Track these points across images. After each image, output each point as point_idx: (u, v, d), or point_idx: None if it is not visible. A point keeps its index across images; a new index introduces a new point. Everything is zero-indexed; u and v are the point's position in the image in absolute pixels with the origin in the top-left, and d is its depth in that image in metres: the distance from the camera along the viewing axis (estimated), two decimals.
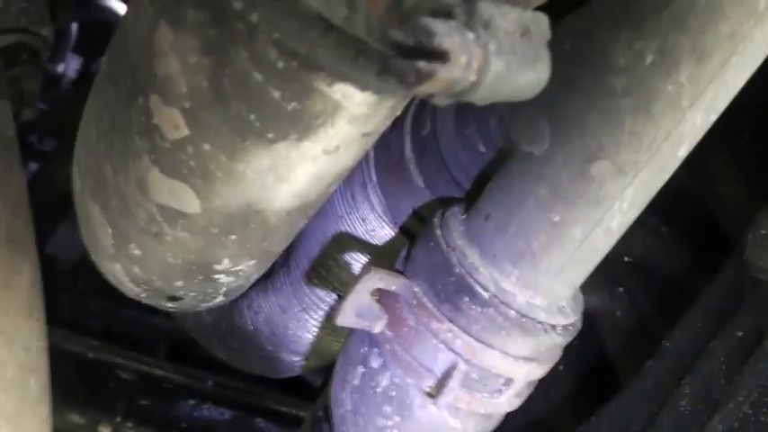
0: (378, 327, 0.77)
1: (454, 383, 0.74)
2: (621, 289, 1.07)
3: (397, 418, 0.79)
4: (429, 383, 0.76)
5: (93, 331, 1.42)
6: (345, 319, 0.77)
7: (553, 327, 0.75)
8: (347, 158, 0.68)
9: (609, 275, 1.11)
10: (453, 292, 0.74)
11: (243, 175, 0.67)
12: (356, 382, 0.81)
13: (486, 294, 0.73)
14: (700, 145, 1.04)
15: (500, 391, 0.77)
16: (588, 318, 1.15)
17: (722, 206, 1.01)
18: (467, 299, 0.73)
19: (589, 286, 1.14)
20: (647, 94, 0.66)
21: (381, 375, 0.78)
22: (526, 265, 0.73)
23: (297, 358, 1.06)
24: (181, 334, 1.28)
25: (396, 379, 0.78)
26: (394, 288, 0.76)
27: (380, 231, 0.90)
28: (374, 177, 0.88)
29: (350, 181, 0.89)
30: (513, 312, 0.73)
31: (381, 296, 0.78)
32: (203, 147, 0.65)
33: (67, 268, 1.47)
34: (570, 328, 0.77)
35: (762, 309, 0.83)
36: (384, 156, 0.87)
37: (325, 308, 0.98)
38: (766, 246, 0.80)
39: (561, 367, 1.07)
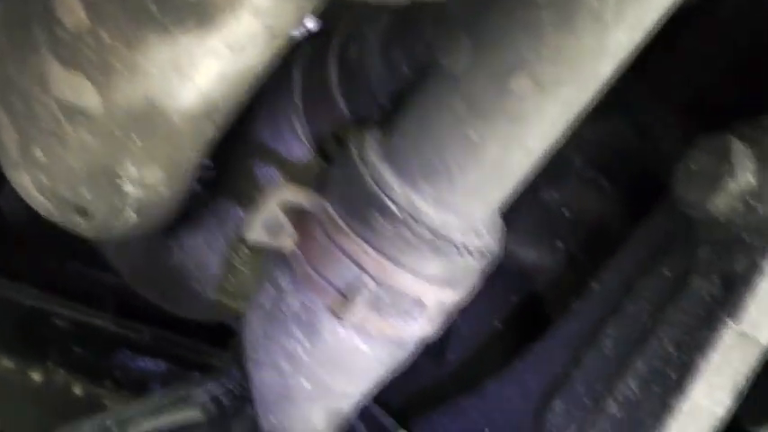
0: (287, 243, 0.74)
1: (362, 302, 0.72)
2: (560, 243, 1.05)
3: (306, 342, 0.76)
4: (337, 303, 0.73)
5: (41, 286, 1.40)
6: (254, 234, 0.74)
7: (468, 249, 0.73)
8: (253, 60, 0.66)
9: (548, 229, 1.09)
10: (365, 209, 0.71)
11: (143, 68, 0.64)
12: (267, 305, 0.78)
13: (398, 212, 0.70)
14: (644, 103, 1.03)
15: (411, 315, 0.74)
16: (526, 271, 1.15)
17: (664, 162, 1.00)
18: (378, 216, 0.71)
19: (528, 240, 1.13)
20: (569, 6, 0.64)
21: (291, 297, 0.76)
22: (441, 183, 0.71)
23: (225, 299, 1.03)
24: (129, 291, 1.26)
25: (305, 301, 0.75)
26: (305, 204, 0.74)
27: (303, 157, 0.87)
28: (299, 103, 0.86)
29: (274, 107, 0.87)
30: (425, 231, 0.71)
31: (293, 215, 0.75)
32: (103, 37, 0.63)
33: (20, 220, 1.44)
34: (486, 252, 0.75)
35: (690, 247, 0.81)
36: (309, 82, 0.85)
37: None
38: (695, 180, 0.78)
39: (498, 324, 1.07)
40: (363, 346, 0.75)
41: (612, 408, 0.82)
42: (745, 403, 0.98)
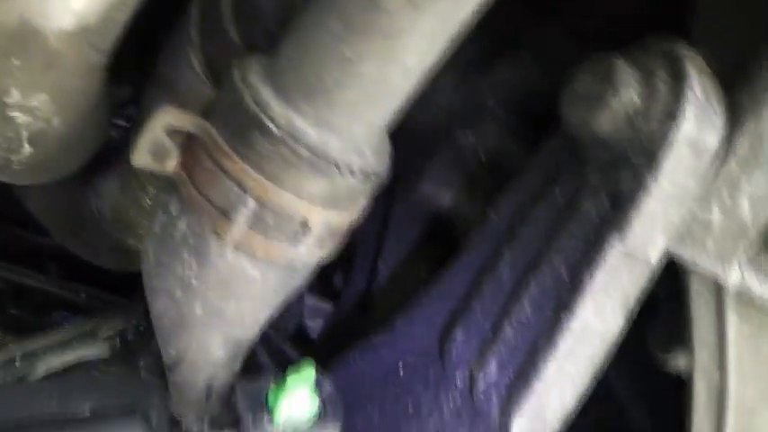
0: (170, 165, 0.75)
1: (244, 222, 0.72)
2: (477, 186, 1.06)
3: (195, 266, 0.77)
4: (221, 224, 0.74)
5: None
6: (139, 158, 0.75)
7: (349, 168, 0.73)
8: None
9: (464, 173, 1.09)
10: (246, 129, 0.72)
11: None
12: (158, 230, 0.79)
13: (277, 131, 0.71)
14: (555, 42, 1.03)
15: (297, 237, 0.75)
16: (444, 215, 1.15)
17: None
18: (259, 136, 0.72)
19: (444, 185, 1.14)
20: None
21: (179, 221, 0.76)
22: (320, 102, 0.71)
23: (141, 245, 1.04)
24: (70, 255, 1.27)
25: (192, 224, 0.76)
26: (189, 127, 0.75)
27: (199, 88, 0.88)
28: (195, 37, 0.87)
29: (173, 41, 0.88)
30: (304, 150, 0.71)
31: (179, 139, 0.76)
32: None
33: None
34: (370, 172, 0.75)
35: (580, 171, 0.81)
36: (204, 15, 0.86)
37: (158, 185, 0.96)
38: (580, 102, 0.78)
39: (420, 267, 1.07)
40: (252, 270, 0.76)
41: (508, 332, 0.82)
42: (654, 331, 0.98)
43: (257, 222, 0.73)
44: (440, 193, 1.10)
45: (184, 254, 0.76)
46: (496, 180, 1.01)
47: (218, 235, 0.74)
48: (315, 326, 1.29)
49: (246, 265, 0.76)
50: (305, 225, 0.74)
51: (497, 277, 0.85)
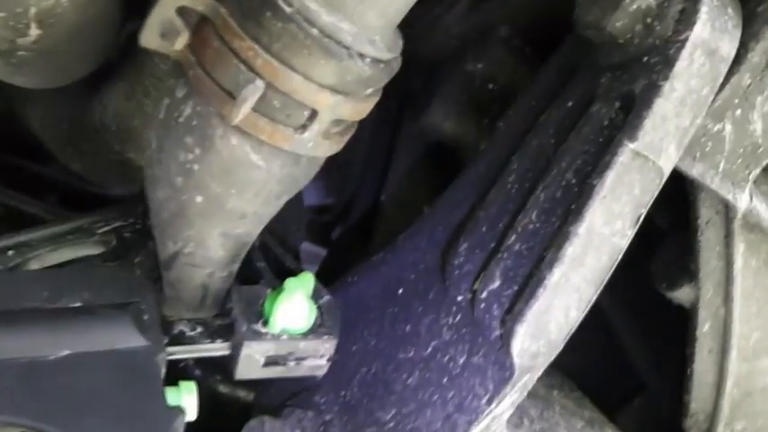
0: (179, 45, 0.74)
1: (251, 104, 0.71)
2: (485, 116, 1.05)
3: (198, 151, 0.75)
4: (227, 107, 0.72)
5: None
6: (148, 38, 0.74)
7: (360, 54, 0.72)
8: None
9: (473, 102, 1.08)
10: (257, 10, 0.71)
11: None
12: (162, 115, 0.77)
13: (288, 9, 0.70)
14: None
15: (303, 123, 0.74)
16: (450, 143, 1.14)
17: None
18: (271, 16, 0.70)
19: (452, 113, 1.13)
20: None
21: (184, 104, 0.75)
22: None
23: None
24: (70, 185, 1.26)
25: (198, 107, 0.74)
26: (200, 8, 0.73)
27: None
28: None
29: None
30: (315, 31, 0.70)
31: (188, 20, 0.74)
32: None
33: None
34: (381, 62, 0.74)
35: (592, 75, 0.80)
36: None
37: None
38: (595, 1, 0.77)
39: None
40: (255, 157, 0.74)
41: (513, 242, 0.80)
42: (658, 265, 0.97)
43: (264, 105, 0.72)
44: (447, 120, 1.09)
45: (188, 138, 0.75)
46: (504, 108, 1.00)
47: (223, 117, 0.73)
48: (312, 270, 1.28)
49: (250, 150, 0.74)
50: (312, 110, 0.73)
51: (503, 187, 0.84)
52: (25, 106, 1.12)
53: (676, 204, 0.93)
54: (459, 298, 0.85)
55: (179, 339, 0.82)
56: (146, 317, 0.80)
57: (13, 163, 1.30)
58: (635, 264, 0.88)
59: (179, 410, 0.76)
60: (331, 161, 1.64)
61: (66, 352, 0.76)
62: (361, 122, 1.55)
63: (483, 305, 0.82)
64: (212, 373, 1.16)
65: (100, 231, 0.85)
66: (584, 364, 1.08)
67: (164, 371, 0.79)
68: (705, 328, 0.93)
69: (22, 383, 0.74)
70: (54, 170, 1.35)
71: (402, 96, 1.22)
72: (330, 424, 0.92)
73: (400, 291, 0.92)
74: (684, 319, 0.99)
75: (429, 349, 0.87)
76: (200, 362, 1.09)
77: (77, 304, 0.79)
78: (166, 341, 0.80)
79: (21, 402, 0.73)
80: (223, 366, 1.24)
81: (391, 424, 0.87)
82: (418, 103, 1.12)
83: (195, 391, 0.79)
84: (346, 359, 0.94)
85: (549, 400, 0.94)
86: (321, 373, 0.86)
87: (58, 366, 0.76)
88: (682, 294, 0.93)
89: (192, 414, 0.78)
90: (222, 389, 1.19)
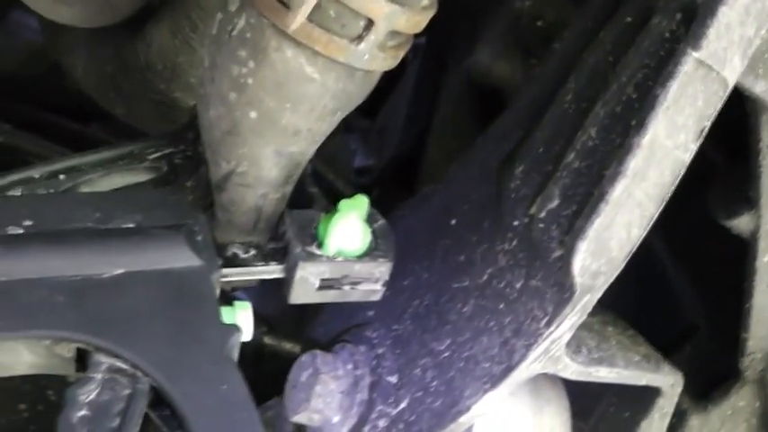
0: None
1: (305, 13, 0.70)
2: (532, 56, 1.03)
3: (251, 64, 0.74)
4: (281, 16, 0.71)
5: None
6: None
7: None
8: None
9: (521, 43, 1.06)
10: None
11: None
12: (214, 31, 0.76)
13: None
14: None
15: (360, 34, 0.72)
16: (497, 85, 1.12)
17: None
18: None
19: (500, 54, 1.11)
20: None
21: (237, 17, 0.74)
22: None
23: (190, 101, 1.02)
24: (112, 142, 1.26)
25: (251, 19, 0.73)
26: None
27: None
28: None
29: None
30: None
31: None
32: None
33: None
34: None
35: None
36: None
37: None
38: None
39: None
40: (309, 68, 0.73)
41: (572, 159, 0.79)
42: (715, 194, 0.95)
43: (319, 14, 0.71)
44: (494, 60, 1.08)
45: (241, 51, 0.74)
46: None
47: (276, 28, 0.72)
48: None
49: (305, 62, 0.73)
50: (368, 20, 0.72)
51: (560, 106, 0.82)
52: (70, 55, 1.12)
53: (731, 135, 0.91)
54: (516, 223, 0.83)
55: (232, 261, 0.81)
56: (199, 238, 0.79)
57: (56, 122, 1.30)
58: (687, 201, 0.87)
59: (235, 328, 0.75)
60: (370, 125, 1.62)
61: (120, 270, 0.75)
62: (402, 84, 1.53)
63: (541, 226, 0.80)
64: (258, 325, 1.15)
65: (151, 158, 0.84)
66: (635, 308, 1.06)
67: (218, 291, 0.78)
68: (766, 258, 0.91)
69: (76, 300, 0.73)
70: (94, 129, 1.36)
71: (446, 44, 1.20)
72: (383, 357, 0.90)
73: (453, 222, 0.90)
74: (740, 258, 0.97)
75: (485, 277, 0.85)
76: None
77: (130, 225, 0.79)
78: (220, 263, 0.80)
79: (74, 318, 0.72)
80: (268, 319, 1.24)
81: (446, 353, 0.85)
82: (463, 46, 1.10)
83: (250, 309, 0.78)
84: (397, 294, 0.92)
85: (604, 335, 0.91)
86: (376, 297, 0.85)
87: (113, 285, 0.75)
88: (741, 223, 0.91)
89: (247, 333, 0.77)
90: (268, 340, 1.18)
